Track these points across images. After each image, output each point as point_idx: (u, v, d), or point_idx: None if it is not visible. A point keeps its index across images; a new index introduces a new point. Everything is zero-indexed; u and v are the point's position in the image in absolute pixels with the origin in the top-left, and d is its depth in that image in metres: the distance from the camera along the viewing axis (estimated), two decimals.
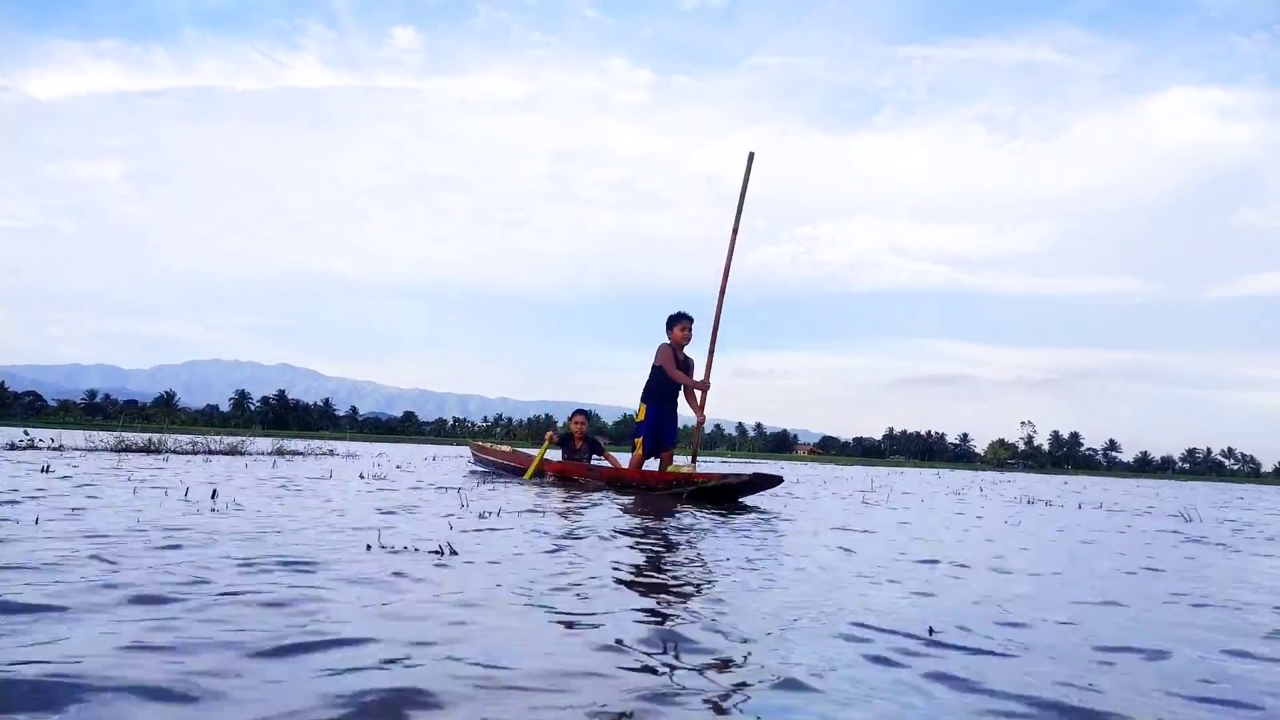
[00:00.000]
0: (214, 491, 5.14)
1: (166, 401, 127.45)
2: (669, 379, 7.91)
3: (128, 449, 11.85)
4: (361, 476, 8.19)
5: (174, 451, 12.00)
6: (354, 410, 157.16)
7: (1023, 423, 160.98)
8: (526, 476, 8.66)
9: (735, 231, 7.84)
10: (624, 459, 8.61)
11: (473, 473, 10.33)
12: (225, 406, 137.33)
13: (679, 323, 8.01)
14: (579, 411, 9.77)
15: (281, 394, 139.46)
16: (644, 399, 8.06)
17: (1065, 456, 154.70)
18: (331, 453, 15.92)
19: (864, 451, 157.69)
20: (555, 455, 9.29)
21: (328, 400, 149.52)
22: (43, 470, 6.83)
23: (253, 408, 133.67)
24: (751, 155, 7.83)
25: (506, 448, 11.76)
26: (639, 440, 8.07)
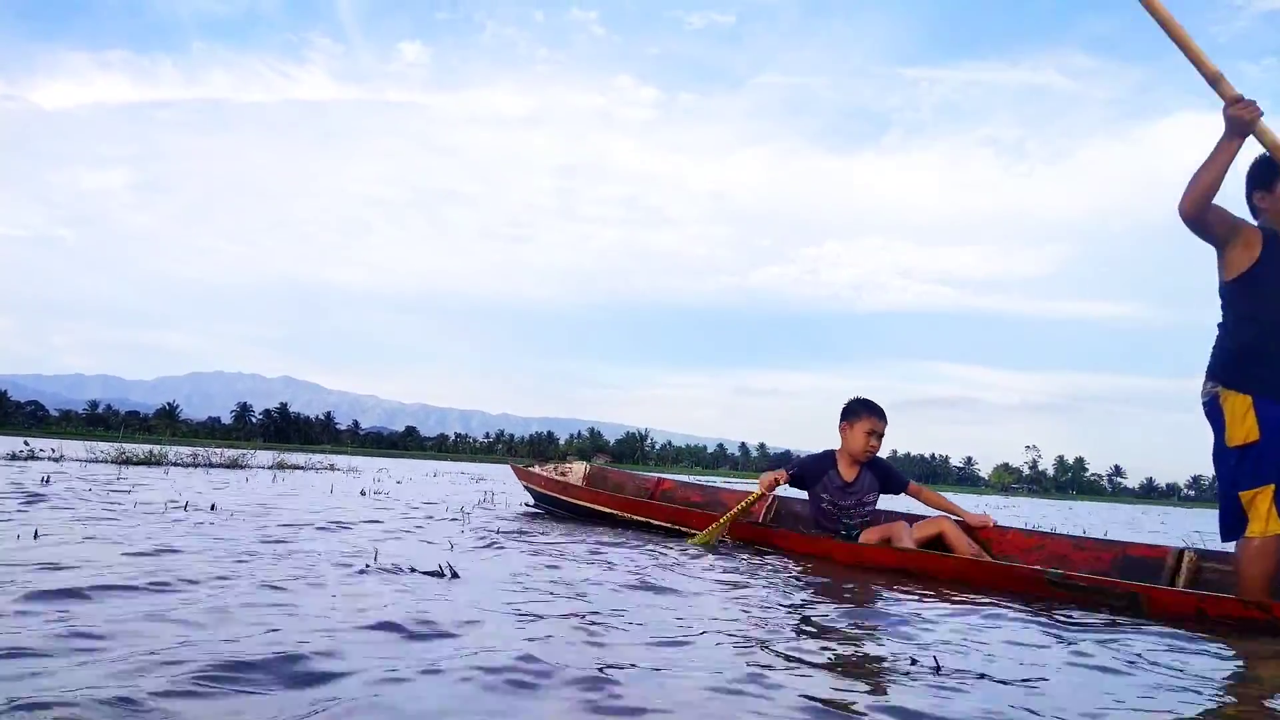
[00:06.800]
0: (213, 505, 5.08)
1: (168, 413, 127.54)
2: None
3: (128, 461, 11.79)
4: (363, 493, 8.10)
5: (174, 464, 11.94)
6: (356, 425, 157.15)
7: (1027, 447, 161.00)
8: (700, 540, 4.61)
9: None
10: (960, 500, 3.84)
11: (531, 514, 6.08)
12: (227, 419, 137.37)
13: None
14: (872, 409, 4.64)
15: (284, 407, 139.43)
16: (1232, 381, 3.00)
17: (1070, 481, 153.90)
18: (332, 467, 15.85)
19: None
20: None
21: (329, 414, 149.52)
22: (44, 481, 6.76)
23: (255, 420, 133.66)
24: None
25: (580, 468, 6.85)
26: (1266, 496, 2.82)
